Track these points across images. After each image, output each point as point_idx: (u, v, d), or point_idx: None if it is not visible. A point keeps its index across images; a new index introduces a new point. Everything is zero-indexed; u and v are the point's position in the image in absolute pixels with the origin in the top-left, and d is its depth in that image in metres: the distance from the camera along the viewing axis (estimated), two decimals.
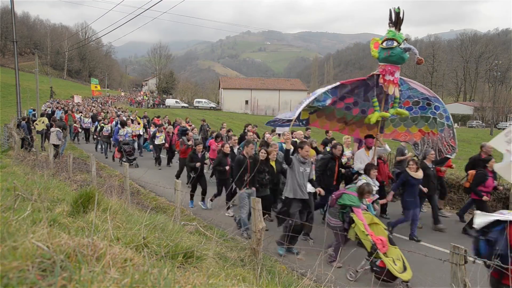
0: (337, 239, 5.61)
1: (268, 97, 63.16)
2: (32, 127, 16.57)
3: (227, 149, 8.29)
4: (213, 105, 62.68)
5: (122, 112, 26.96)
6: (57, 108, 27.82)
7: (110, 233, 2.23)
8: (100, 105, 37.14)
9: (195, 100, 65.12)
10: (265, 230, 4.69)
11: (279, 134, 10.83)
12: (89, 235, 1.81)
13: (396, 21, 6.63)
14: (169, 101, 61.76)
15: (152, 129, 15.32)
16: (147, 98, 63.71)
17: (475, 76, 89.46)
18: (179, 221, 5.74)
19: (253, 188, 6.93)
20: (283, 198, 6.27)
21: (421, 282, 5.05)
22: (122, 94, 69.83)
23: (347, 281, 4.51)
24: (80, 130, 21.02)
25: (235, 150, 9.26)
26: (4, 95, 43.13)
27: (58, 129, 13.71)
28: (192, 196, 8.62)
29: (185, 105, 60.74)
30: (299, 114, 6.81)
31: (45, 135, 16.82)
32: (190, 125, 15.60)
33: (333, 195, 5.88)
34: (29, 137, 15.59)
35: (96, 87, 42.15)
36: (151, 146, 15.11)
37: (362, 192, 5.58)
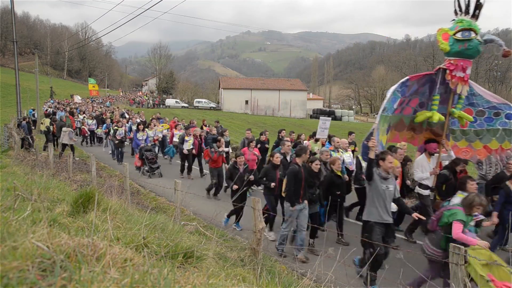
0: (432, 271, 4.54)
1: (268, 97, 63.13)
2: (33, 127, 16.63)
3: (277, 159, 6.81)
4: (213, 105, 62.68)
5: (126, 112, 26.45)
6: (58, 108, 27.70)
7: (110, 233, 2.23)
8: (102, 106, 37.04)
9: (195, 100, 65.14)
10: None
11: (316, 140, 10.41)
12: (89, 235, 1.81)
13: (474, 8, 5.69)
14: (169, 101, 61.83)
15: (176, 132, 13.75)
16: (147, 98, 63.67)
17: (475, 76, 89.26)
18: (179, 221, 5.74)
19: (305, 202, 6.00)
20: (363, 221, 5.26)
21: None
22: (121, 94, 69.63)
23: (347, 281, 4.50)
24: (88, 133, 19.58)
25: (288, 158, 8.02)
26: (4, 95, 43.14)
27: (70, 129, 14.11)
28: (235, 216, 7.06)
29: (185, 105, 60.77)
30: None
31: (47, 136, 16.87)
32: (208, 127, 14.69)
33: (433, 217, 4.81)
34: (29, 137, 15.61)
35: (94, 86, 41.33)
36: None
37: (471, 205, 4.25)
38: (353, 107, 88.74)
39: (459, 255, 3.15)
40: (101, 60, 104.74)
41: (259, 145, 10.42)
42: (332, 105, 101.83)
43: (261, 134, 11.19)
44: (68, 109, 26.76)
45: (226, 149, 9.29)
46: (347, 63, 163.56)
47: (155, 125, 14.70)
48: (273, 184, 6.54)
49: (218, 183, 9.28)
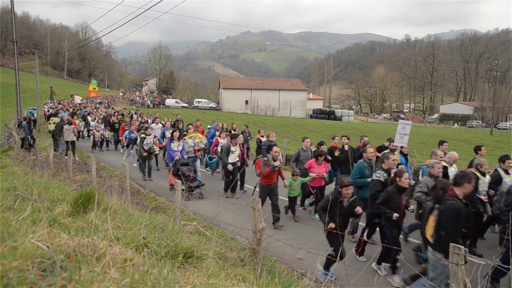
0: None
1: (268, 97, 63.17)
2: (34, 128, 16.70)
3: (405, 181, 5.14)
4: (213, 105, 62.74)
5: (135, 112, 25.36)
6: (61, 109, 27.43)
7: (110, 233, 2.23)
8: (107, 107, 36.72)
9: (195, 100, 65.26)
10: None
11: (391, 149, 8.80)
12: (89, 235, 1.81)
13: None
14: (169, 101, 61.95)
15: (220, 140, 11.48)
16: (146, 98, 63.59)
17: (475, 76, 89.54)
18: (179, 221, 5.74)
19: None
20: None
21: (421, 282, 5.04)
22: (120, 94, 69.47)
23: (347, 281, 4.51)
24: (100, 139, 17.74)
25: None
26: (4, 95, 43.15)
27: (73, 126, 14.39)
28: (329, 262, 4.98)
29: (185, 105, 60.84)
30: None
31: (53, 136, 16.90)
32: (235, 130, 13.27)
33: None
34: (29, 137, 15.63)
35: (94, 88, 40.84)
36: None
37: None
38: (353, 107, 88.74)
39: (459, 255, 3.14)
40: (101, 60, 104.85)
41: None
42: (332, 105, 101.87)
43: (320, 145, 8.74)
44: (70, 110, 26.69)
45: (277, 164, 7.24)
46: (347, 63, 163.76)
47: (194, 133, 11.95)
48: (396, 215, 5.03)
49: (274, 206, 7.28)
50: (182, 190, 8.15)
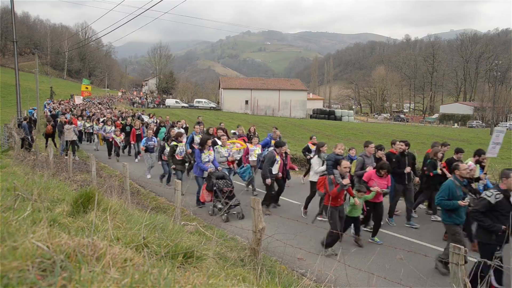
0: None
1: (268, 97, 63.19)
2: (34, 128, 16.73)
3: None
4: (213, 105, 62.78)
5: (142, 113, 24.52)
6: (65, 110, 26.79)
7: (110, 233, 2.23)
8: (112, 108, 35.96)
9: (195, 100, 65.34)
10: None
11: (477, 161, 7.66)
12: (89, 235, 1.81)
13: None
14: (169, 101, 62.00)
15: (252, 147, 10.15)
16: (143, 98, 63.48)
17: (475, 76, 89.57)
18: (179, 221, 5.73)
19: None
20: None
21: (421, 282, 5.04)
22: (119, 94, 69.23)
23: (347, 281, 4.50)
24: (119, 144, 15.65)
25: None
26: (4, 95, 43.17)
27: (73, 125, 14.56)
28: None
29: (185, 105, 60.87)
30: None
31: (46, 137, 16.87)
32: (255, 134, 11.31)
33: None
34: (29, 137, 15.63)
35: (87, 88, 37.43)
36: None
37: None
38: (353, 107, 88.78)
39: (459, 255, 3.14)
40: (101, 60, 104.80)
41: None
42: (332, 105, 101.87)
43: (379, 149, 7.85)
44: (74, 111, 26.35)
45: (346, 182, 6.09)
46: (347, 63, 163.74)
47: (230, 140, 10.34)
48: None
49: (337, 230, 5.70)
50: (219, 209, 7.45)
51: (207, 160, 8.51)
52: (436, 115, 75.81)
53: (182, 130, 12.47)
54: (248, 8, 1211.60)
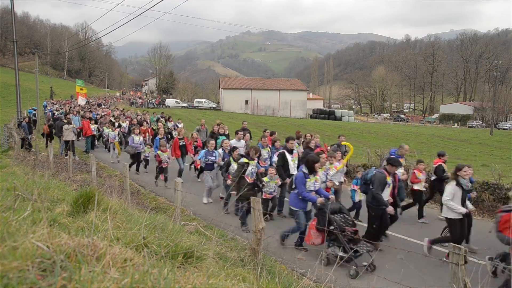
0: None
1: (268, 97, 63.20)
2: (34, 128, 16.71)
3: None
4: (213, 105, 62.79)
5: (144, 114, 23.40)
6: (71, 112, 24.52)
7: (110, 233, 2.23)
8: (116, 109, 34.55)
9: (195, 100, 65.36)
10: None
11: None
12: (89, 235, 1.81)
13: None
14: (169, 101, 62.04)
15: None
16: (139, 98, 63.37)
17: (475, 76, 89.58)
18: (179, 221, 5.73)
19: None
20: None
21: (421, 282, 5.04)
22: (118, 94, 69.02)
23: (347, 281, 4.51)
24: (168, 162, 10.71)
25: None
26: (4, 95, 43.17)
27: (72, 125, 14.41)
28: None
29: (185, 105, 60.89)
30: None
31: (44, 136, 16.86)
32: (312, 137, 9.35)
33: None
34: (29, 137, 15.64)
35: (81, 89, 33.13)
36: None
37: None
38: (353, 107, 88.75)
39: (459, 255, 3.14)
40: (101, 60, 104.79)
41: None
42: (332, 105, 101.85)
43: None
44: (82, 113, 25.38)
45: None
46: (347, 63, 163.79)
47: (331, 161, 7.74)
48: None
49: None
50: (338, 257, 4.63)
51: (312, 188, 6.11)
52: (436, 115, 75.81)
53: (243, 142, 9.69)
54: (248, 8, 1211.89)
